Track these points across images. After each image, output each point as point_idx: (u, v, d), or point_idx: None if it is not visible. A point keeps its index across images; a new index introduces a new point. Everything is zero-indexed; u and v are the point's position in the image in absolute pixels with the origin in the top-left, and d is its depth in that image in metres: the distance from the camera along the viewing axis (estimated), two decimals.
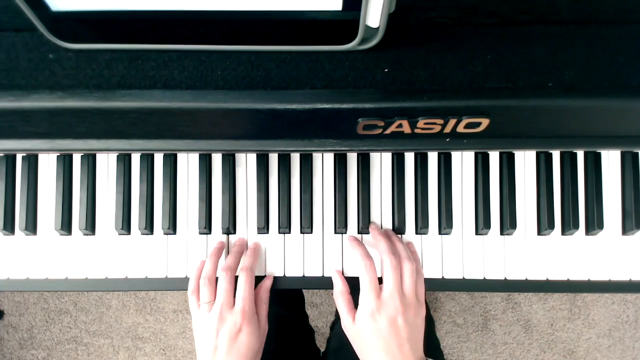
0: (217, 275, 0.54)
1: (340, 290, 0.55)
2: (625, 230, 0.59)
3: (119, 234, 0.59)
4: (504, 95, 0.45)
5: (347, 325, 0.53)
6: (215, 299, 0.53)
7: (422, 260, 0.59)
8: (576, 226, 0.58)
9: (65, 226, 0.58)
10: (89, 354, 1.36)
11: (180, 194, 0.59)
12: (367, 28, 0.43)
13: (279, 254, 0.59)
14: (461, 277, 0.58)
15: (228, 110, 0.46)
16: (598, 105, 0.47)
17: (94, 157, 0.59)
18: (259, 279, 0.58)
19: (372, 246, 0.58)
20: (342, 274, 0.58)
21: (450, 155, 0.59)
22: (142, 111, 0.46)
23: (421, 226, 0.58)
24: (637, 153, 0.58)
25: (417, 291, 0.53)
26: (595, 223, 0.58)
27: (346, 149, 0.52)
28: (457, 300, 1.36)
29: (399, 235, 0.59)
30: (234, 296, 0.53)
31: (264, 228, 0.58)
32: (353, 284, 0.56)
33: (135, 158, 0.59)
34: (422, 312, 0.53)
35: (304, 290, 1.03)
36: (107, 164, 0.59)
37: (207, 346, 0.51)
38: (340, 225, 0.58)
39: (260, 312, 0.55)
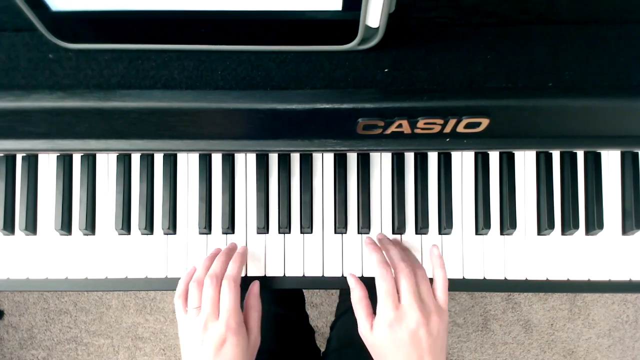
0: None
1: (359, 296, 0.52)
2: (625, 230, 0.59)
3: (119, 234, 0.59)
4: (504, 95, 0.45)
5: (365, 334, 0.51)
6: (201, 305, 0.50)
7: (422, 260, 0.59)
8: (576, 226, 0.58)
9: (65, 226, 0.58)
10: (89, 354, 1.36)
11: (180, 194, 0.59)
12: (367, 28, 0.43)
13: (279, 254, 0.59)
14: (461, 277, 0.58)
15: (228, 110, 0.46)
16: (598, 105, 0.47)
17: (94, 157, 0.59)
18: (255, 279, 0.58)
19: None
20: (343, 274, 0.58)
21: (450, 155, 0.59)
22: (142, 111, 0.46)
23: (421, 226, 0.58)
24: (637, 153, 0.58)
25: (437, 296, 0.51)
26: (595, 223, 0.58)
27: (346, 149, 0.52)
28: (457, 300, 1.36)
29: (398, 237, 0.59)
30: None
31: (263, 228, 0.58)
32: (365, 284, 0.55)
33: (135, 158, 0.59)
34: (445, 319, 0.50)
35: (304, 290, 1.03)
36: (107, 164, 0.59)
37: (193, 353, 0.49)
38: (340, 225, 0.58)
39: (250, 321, 0.53)
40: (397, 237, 0.59)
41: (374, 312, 0.51)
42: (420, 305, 0.48)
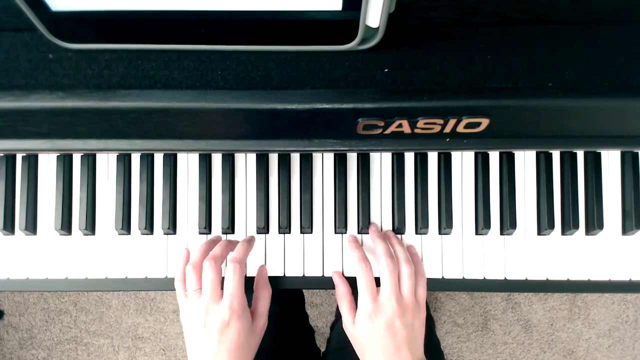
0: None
1: (342, 291, 0.55)
2: (625, 230, 0.59)
3: (119, 234, 0.59)
4: (504, 95, 0.45)
5: (348, 327, 0.54)
6: (201, 288, 0.50)
7: (422, 260, 0.59)
8: (576, 226, 0.58)
9: (65, 226, 0.58)
10: (89, 354, 1.36)
11: (180, 194, 0.59)
12: (367, 28, 0.43)
13: (279, 254, 0.59)
14: (461, 277, 0.58)
15: (228, 110, 0.46)
16: (598, 105, 0.47)
17: (94, 157, 0.59)
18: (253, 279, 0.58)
19: (370, 251, 0.58)
20: (343, 274, 0.58)
21: (450, 155, 0.59)
22: (142, 111, 0.46)
23: (421, 226, 0.58)
24: (637, 153, 0.58)
25: (417, 293, 0.53)
26: (595, 223, 0.58)
27: (346, 149, 0.52)
28: (457, 300, 1.36)
29: (399, 236, 0.59)
30: (222, 288, 0.51)
31: (263, 228, 0.58)
32: (354, 284, 0.56)
33: (135, 158, 0.59)
34: (422, 315, 0.53)
35: (304, 290, 1.03)
36: (107, 164, 0.59)
37: (196, 336, 0.49)
38: (340, 225, 0.58)
39: (259, 305, 0.54)
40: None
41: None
42: (398, 298, 0.51)
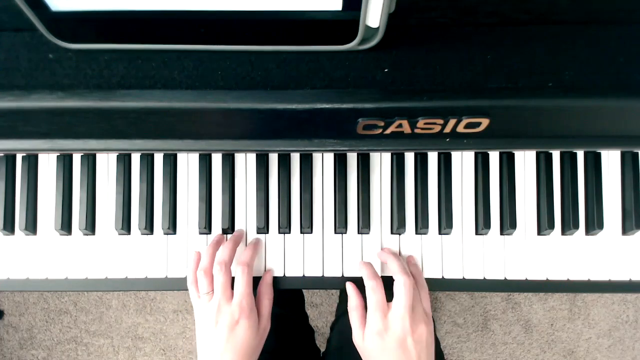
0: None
1: (355, 304, 0.55)
2: (625, 230, 0.59)
3: (119, 234, 0.59)
4: (504, 95, 0.45)
5: (358, 341, 0.53)
6: (213, 290, 0.53)
7: (422, 260, 0.59)
8: (576, 226, 0.58)
9: (65, 226, 0.58)
10: (89, 354, 1.36)
11: (180, 194, 0.59)
12: (367, 28, 0.43)
13: (279, 254, 0.59)
14: (461, 277, 0.58)
15: (228, 110, 0.46)
16: (598, 105, 0.47)
17: (94, 157, 0.59)
18: (258, 279, 0.58)
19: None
20: (343, 275, 0.58)
21: (450, 155, 0.59)
22: (142, 111, 0.46)
23: (421, 226, 0.58)
24: (637, 153, 0.58)
25: (424, 306, 0.53)
26: (595, 223, 0.58)
27: (346, 149, 0.52)
28: (457, 300, 1.36)
29: (398, 236, 0.59)
30: (232, 288, 0.53)
31: (263, 228, 0.58)
32: (358, 284, 0.56)
33: (135, 158, 0.59)
34: (430, 327, 0.52)
35: (304, 290, 1.03)
36: (107, 164, 0.59)
37: (207, 334, 0.52)
38: (340, 225, 0.58)
39: (262, 307, 0.55)
40: (397, 237, 0.59)
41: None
42: (410, 316, 0.50)
